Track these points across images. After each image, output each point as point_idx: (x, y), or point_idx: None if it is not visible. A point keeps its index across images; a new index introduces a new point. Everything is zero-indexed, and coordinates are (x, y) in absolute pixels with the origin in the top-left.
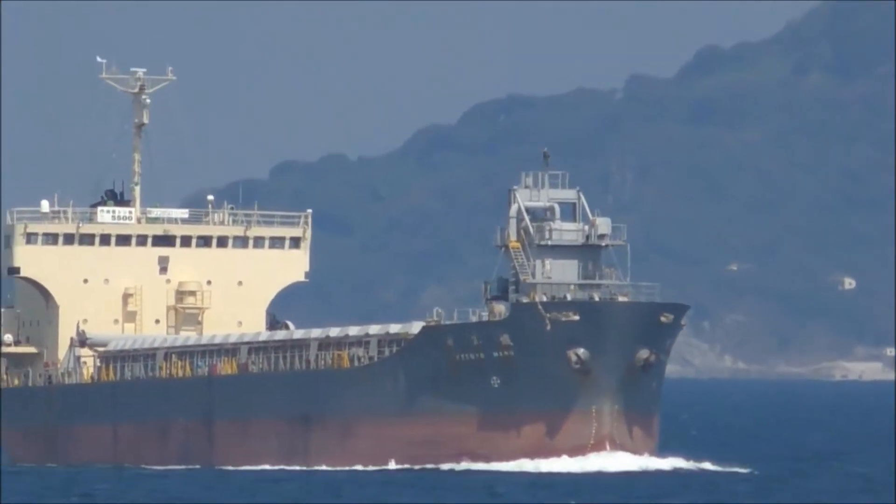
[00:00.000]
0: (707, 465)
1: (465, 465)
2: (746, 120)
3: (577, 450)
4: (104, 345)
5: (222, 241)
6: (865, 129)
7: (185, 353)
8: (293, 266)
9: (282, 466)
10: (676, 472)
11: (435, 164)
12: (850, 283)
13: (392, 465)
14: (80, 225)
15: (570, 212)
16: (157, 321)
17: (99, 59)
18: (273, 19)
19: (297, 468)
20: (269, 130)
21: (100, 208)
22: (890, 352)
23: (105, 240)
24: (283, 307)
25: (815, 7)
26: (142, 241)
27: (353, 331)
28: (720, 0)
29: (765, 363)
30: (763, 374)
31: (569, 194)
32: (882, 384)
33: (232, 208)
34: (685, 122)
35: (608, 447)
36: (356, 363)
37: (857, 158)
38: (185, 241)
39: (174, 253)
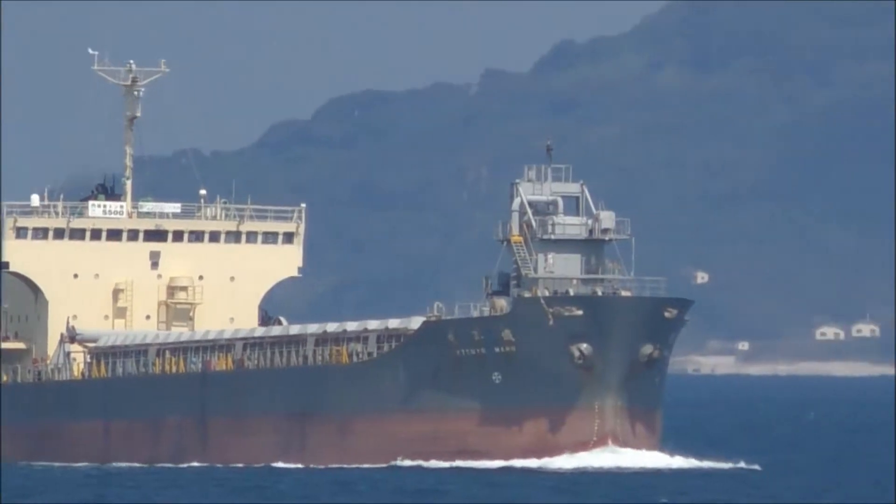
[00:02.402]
0: (711, 463)
1: (465, 463)
2: (603, 114)
3: (579, 446)
4: (95, 341)
5: (215, 236)
6: (722, 124)
7: (179, 349)
8: (286, 261)
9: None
10: (694, 471)
11: (291, 158)
12: (702, 277)
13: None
14: (71, 219)
15: (573, 206)
16: (148, 317)
17: (91, 51)
18: (127, 15)
19: (294, 465)
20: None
21: (90, 202)
22: (742, 346)
23: (96, 234)
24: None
25: (671, 2)
26: (133, 235)
27: (352, 326)
28: None
29: None
30: None
31: (572, 188)
32: (737, 378)
33: (225, 202)
34: (541, 116)
35: (611, 444)
36: (355, 359)
37: (713, 154)
38: (178, 235)
39: (166, 248)
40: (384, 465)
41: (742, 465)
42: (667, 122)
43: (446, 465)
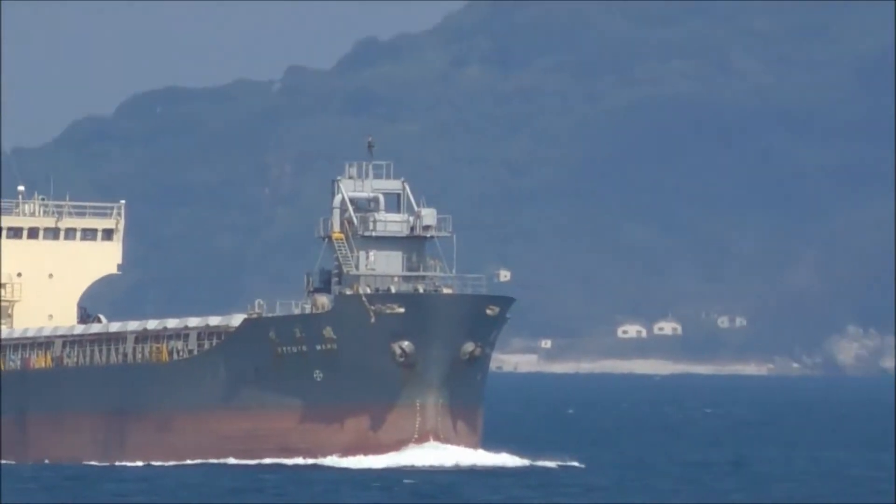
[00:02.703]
0: (533, 460)
1: (288, 460)
2: (406, 111)
3: (400, 444)
4: None
5: (33, 233)
6: (524, 122)
7: None
8: (105, 258)
9: (97, 462)
10: (517, 468)
11: (93, 155)
12: (505, 275)
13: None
14: None
15: (394, 202)
16: None
17: None
18: None
19: (113, 464)
20: None
21: None
22: (545, 343)
23: None
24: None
25: (473, 1)
26: None
27: (172, 323)
28: None
29: None
30: None
31: (394, 185)
32: (538, 376)
33: (43, 199)
34: (344, 113)
35: (432, 441)
36: (175, 356)
37: (515, 151)
38: None
39: None
40: (203, 463)
41: (566, 462)
42: (469, 120)
43: (266, 462)
